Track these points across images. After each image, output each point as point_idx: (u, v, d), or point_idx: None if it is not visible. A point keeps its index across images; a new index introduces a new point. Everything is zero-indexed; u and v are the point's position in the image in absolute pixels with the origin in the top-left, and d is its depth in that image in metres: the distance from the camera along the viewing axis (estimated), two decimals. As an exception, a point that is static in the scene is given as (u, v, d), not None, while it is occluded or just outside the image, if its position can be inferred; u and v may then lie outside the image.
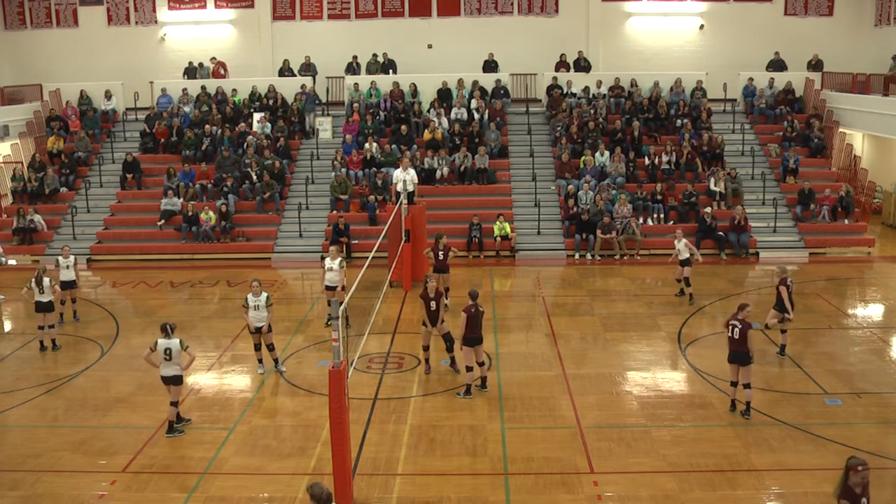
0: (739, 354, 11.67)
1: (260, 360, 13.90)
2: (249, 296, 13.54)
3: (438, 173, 24.26)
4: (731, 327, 11.71)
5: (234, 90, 27.75)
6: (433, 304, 13.43)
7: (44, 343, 15.24)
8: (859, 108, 25.31)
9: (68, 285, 16.72)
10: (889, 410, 12.13)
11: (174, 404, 11.54)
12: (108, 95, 27.88)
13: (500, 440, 11.26)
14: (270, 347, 13.80)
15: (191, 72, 28.83)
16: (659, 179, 23.97)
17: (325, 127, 23.26)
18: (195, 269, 21.70)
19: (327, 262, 15.94)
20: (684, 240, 17.65)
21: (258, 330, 13.59)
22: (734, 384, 11.96)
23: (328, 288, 15.93)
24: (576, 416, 12.01)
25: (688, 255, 17.49)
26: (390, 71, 28.27)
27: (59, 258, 16.94)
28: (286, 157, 25.41)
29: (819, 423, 11.58)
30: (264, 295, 13.53)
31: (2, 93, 27.49)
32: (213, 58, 29.11)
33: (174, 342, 11.32)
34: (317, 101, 27.43)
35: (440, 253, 17.10)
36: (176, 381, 11.44)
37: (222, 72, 28.90)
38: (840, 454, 10.70)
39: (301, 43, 29.28)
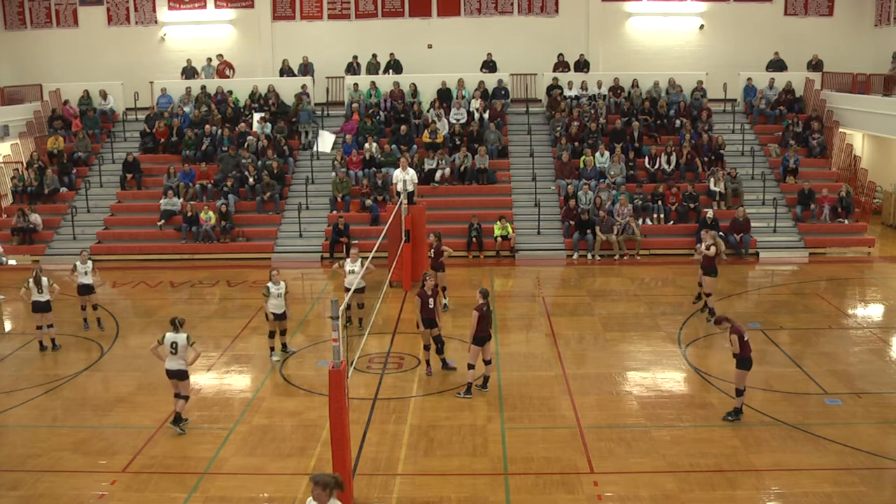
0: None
1: (272, 349, 14.45)
2: (270, 284, 14.14)
3: (439, 174, 24.26)
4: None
5: (230, 91, 27.70)
6: (431, 301, 13.39)
7: (43, 343, 15.22)
8: (859, 109, 25.29)
9: (86, 290, 16.21)
10: (889, 410, 12.12)
11: (185, 398, 11.63)
12: (103, 95, 27.81)
13: (500, 440, 11.25)
14: (284, 333, 14.53)
15: (188, 72, 28.78)
16: (659, 179, 23.98)
17: (326, 143, 23.39)
18: (195, 269, 21.69)
19: (348, 264, 15.68)
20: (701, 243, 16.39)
21: (279, 317, 14.22)
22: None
23: (348, 290, 15.66)
24: (576, 416, 12.00)
25: (698, 257, 16.28)
26: (390, 71, 28.25)
27: (77, 263, 16.27)
28: (290, 155, 25.40)
29: (819, 423, 11.57)
30: (283, 283, 14.21)
31: (2, 93, 27.45)
32: (220, 55, 29.07)
33: (181, 336, 11.45)
34: (313, 114, 26.99)
35: (433, 251, 16.99)
36: (181, 375, 11.53)
37: (228, 73, 28.84)
38: (840, 454, 10.73)
39: (301, 43, 29.28)
